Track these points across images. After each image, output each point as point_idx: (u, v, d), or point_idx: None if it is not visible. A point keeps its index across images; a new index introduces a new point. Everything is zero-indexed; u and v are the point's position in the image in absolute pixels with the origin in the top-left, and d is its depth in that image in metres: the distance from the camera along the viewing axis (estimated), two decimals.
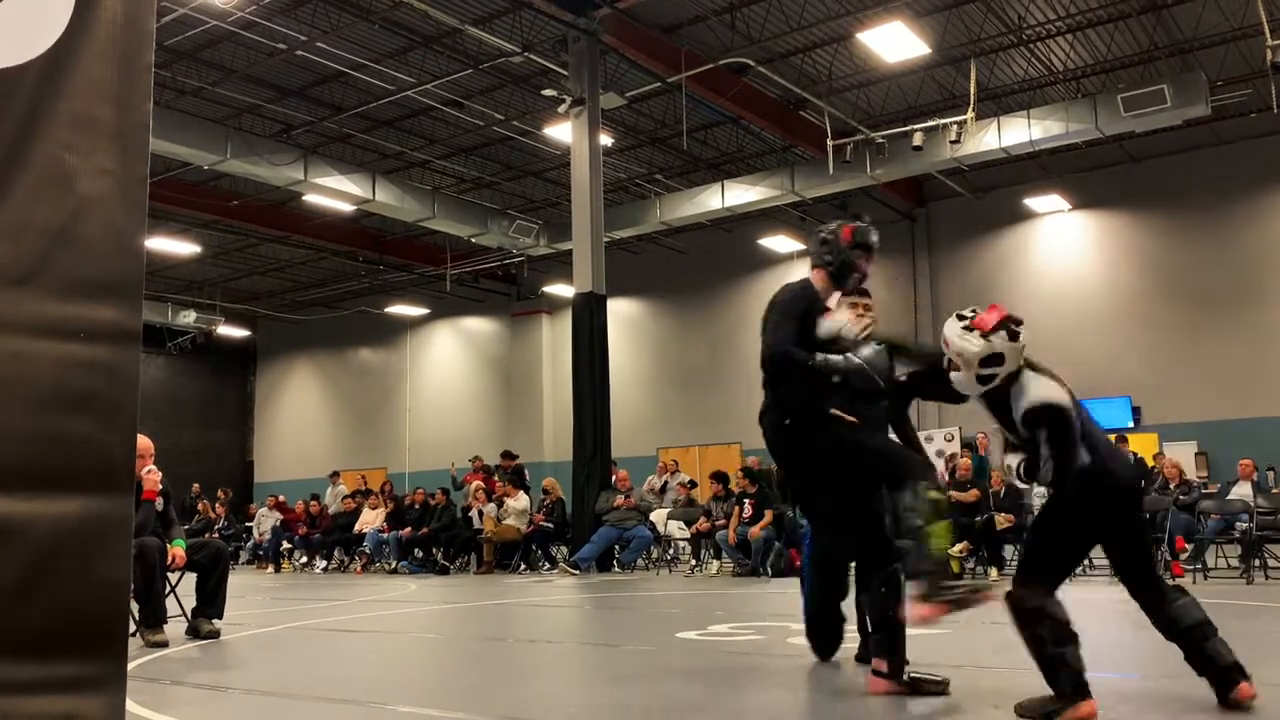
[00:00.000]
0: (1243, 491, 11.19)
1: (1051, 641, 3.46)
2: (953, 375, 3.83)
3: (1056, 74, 15.63)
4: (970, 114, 14.25)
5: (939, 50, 14.19)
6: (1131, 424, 17.14)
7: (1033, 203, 18.82)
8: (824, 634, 4.91)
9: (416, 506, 15.40)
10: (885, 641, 4.01)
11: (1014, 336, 3.80)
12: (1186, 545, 10.45)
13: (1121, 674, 4.87)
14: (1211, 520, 10.53)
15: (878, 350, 4.06)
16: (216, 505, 19.37)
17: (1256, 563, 9.75)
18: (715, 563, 12.76)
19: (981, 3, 13.66)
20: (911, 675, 4.00)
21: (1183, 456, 14.14)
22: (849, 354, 3.99)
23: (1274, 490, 12.03)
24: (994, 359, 3.75)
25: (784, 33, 14.31)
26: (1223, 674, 3.61)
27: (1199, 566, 10.07)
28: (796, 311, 4.08)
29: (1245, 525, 10.10)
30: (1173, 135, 16.58)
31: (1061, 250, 18.97)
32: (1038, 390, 3.75)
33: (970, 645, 5.38)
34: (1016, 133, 15.06)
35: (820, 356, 3.96)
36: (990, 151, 15.42)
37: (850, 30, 13.80)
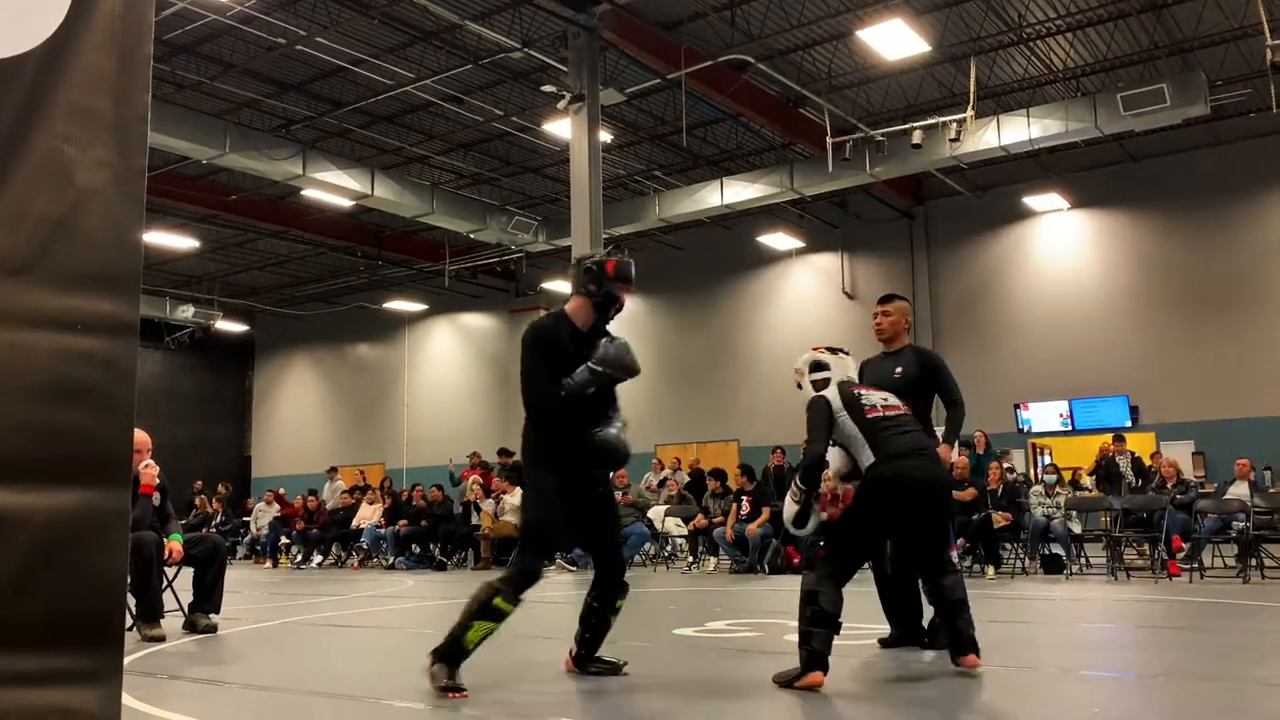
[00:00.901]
0: (1240, 491, 11.20)
1: (809, 621, 4.17)
2: (802, 398, 4.67)
3: (1056, 72, 15.62)
4: (970, 112, 14.23)
5: (939, 48, 14.17)
6: (1129, 423, 17.14)
7: (1031, 201, 18.81)
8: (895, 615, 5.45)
9: (414, 504, 15.39)
10: (587, 640, 4.56)
11: (835, 352, 4.81)
12: (1183, 544, 10.46)
13: (1119, 673, 4.88)
14: (1208, 520, 10.55)
15: (610, 344, 4.40)
16: (214, 500, 19.39)
17: (1253, 562, 9.76)
18: (712, 559, 12.77)
19: (981, 1, 13.65)
20: (594, 667, 4.57)
21: (1180, 456, 14.15)
22: (589, 364, 4.32)
23: (1271, 490, 12.05)
24: (819, 365, 4.71)
25: (784, 30, 14.29)
26: (959, 644, 4.42)
27: (1196, 566, 10.09)
28: (542, 356, 4.35)
29: (1242, 525, 10.11)
30: (1172, 135, 16.57)
31: (1060, 249, 18.97)
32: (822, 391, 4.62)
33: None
34: (1016, 131, 15.03)
35: (567, 382, 4.29)
36: (989, 150, 15.39)
37: (850, 28, 13.78)
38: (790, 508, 4.51)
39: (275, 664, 5.56)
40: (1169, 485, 11.18)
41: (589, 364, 4.33)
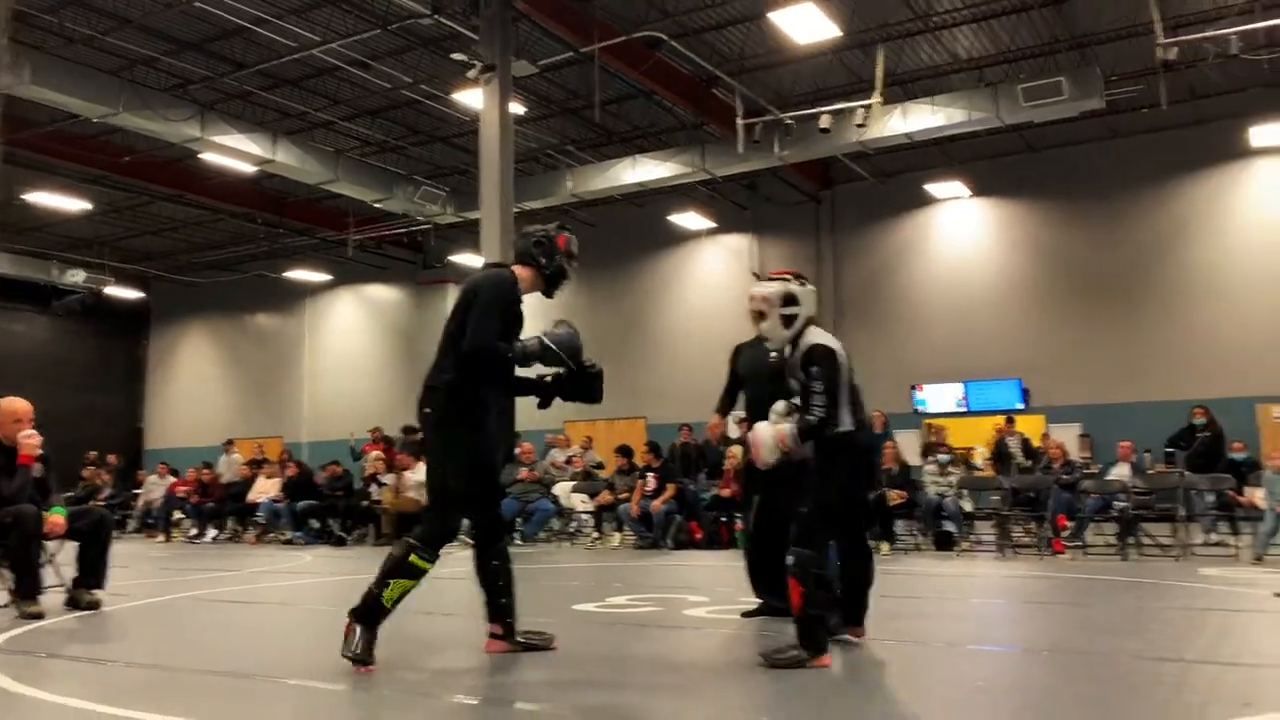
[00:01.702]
0: (1121, 472, 11.71)
1: (824, 603, 4.16)
2: (761, 327, 4.46)
3: (961, 62, 15.94)
4: (877, 99, 14.46)
5: (849, 34, 14.33)
6: (1021, 405, 17.73)
7: (934, 189, 19.23)
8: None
9: (290, 475, 15.10)
10: (506, 607, 4.46)
11: (803, 282, 4.50)
12: (1068, 523, 10.88)
13: (1004, 646, 5.05)
14: (1091, 499, 10.99)
15: (566, 325, 4.38)
16: (104, 472, 18.73)
17: (1131, 540, 10.21)
18: (617, 535, 12.84)
19: None
20: (522, 635, 4.47)
21: (1067, 438, 14.67)
22: (542, 336, 4.29)
23: (1150, 471, 12.59)
24: (791, 298, 4.40)
25: (698, 8, 14.28)
26: (853, 614, 4.60)
27: (1080, 544, 10.51)
28: (499, 307, 4.27)
29: (1123, 505, 10.55)
30: (1069, 127, 17.10)
31: (961, 236, 19.45)
32: (820, 337, 4.38)
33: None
34: (920, 119, 15.34)
35: (518, 345, 4.23)
36: (895, 137, 15.68)
37: (763, 9, 13.84)
38: (769, 443, 4.29)
39: (163, 641, 5.41)
40: (1055, 466, 11.60)
41: (543, 337, 4.25)
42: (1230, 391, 15.11)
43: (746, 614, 5.61)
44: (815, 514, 4.24)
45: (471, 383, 4.24)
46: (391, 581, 4.08)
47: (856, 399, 4.41)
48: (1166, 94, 14.50)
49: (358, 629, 4.06)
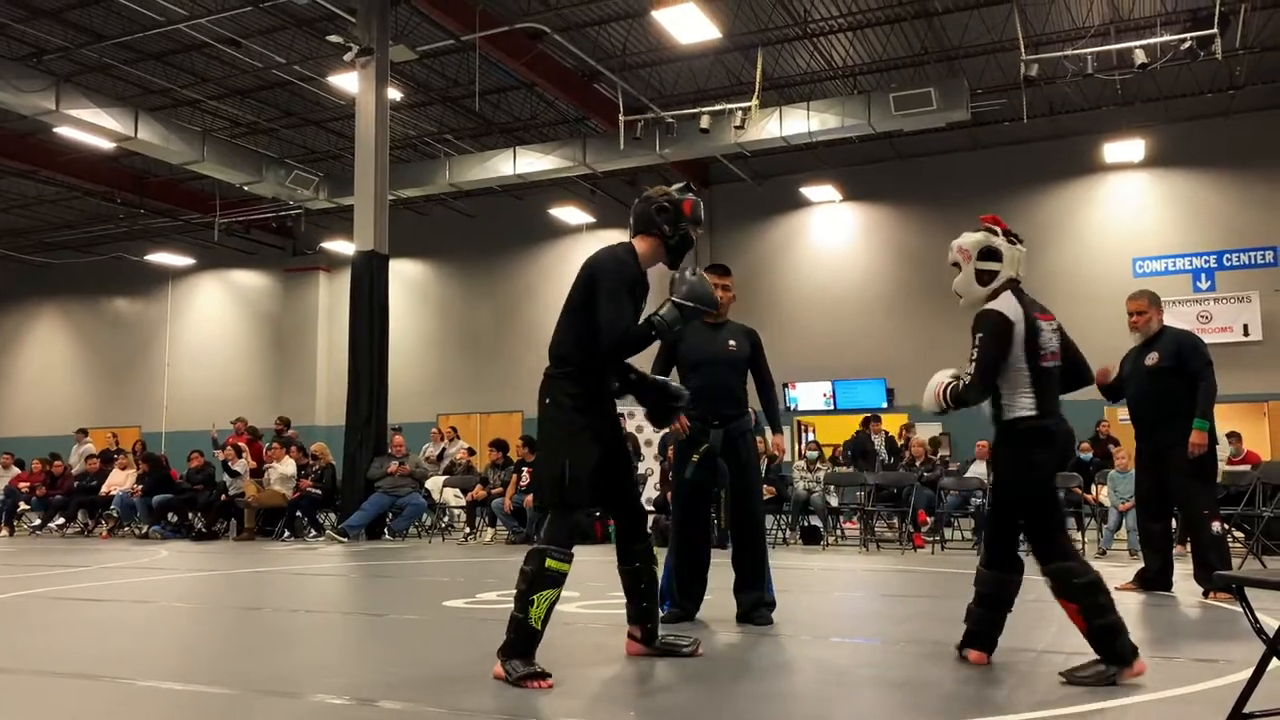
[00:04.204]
0: (979, 470, 12.21)
1: (1105, 611, 3.70)
2: (955, 282, 4.01)
3: (836, 69, 16.36)
4: (755, 101, 14.73)
5: (729, 36, 14.55)
6: (886, 404, 18.32)
7: (808, 191, 19.70)
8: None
9: (144, 472, 14.54)
10: (647, 611, 4.21)
11: (1013, 241, 3.95)
12: (928, 518, 11.30)
13: (865, 639, 5.20)
14: (951, 496, 11.43)
15: (690, 274, 3.91)
16: None
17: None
18: (490, 530, 12.73)
19: None
20: (662, 641, 4.23)
21: (930, 436, 15.24)
22: (671, 299, 3.85)
23: None
24: (991, 253, 3.89)
25: (581, 2, 14.27)
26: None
27: (939, 538, 10.91)
28: (625, 290, 3.88)
29: (980, 501, 11.02)
30: (936, 137, 17.75)
31: (831, 239, 19.97)
32: (1002, 303, 3.86)
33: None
34: (796, 123, 15.71)
35: (655, 319, 3.81)
36: (771, 140, 16.02)
37: (646, 7, 13.93)
38: (931, 390, 4.10)
39: (3, 641, 5.11)
40: (918, 464, 12.02)
41: (672, 299, 3.82)
42: (1081, 394, 15.86)
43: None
44: (1037, 520, 3.94)
45: (596, 370, 3.93)
46: (535, 597, 3.71)
47: (1043, 383, 3.90)
48: (1028, 109, 15.20)
49: (514, 664, 3.70)
